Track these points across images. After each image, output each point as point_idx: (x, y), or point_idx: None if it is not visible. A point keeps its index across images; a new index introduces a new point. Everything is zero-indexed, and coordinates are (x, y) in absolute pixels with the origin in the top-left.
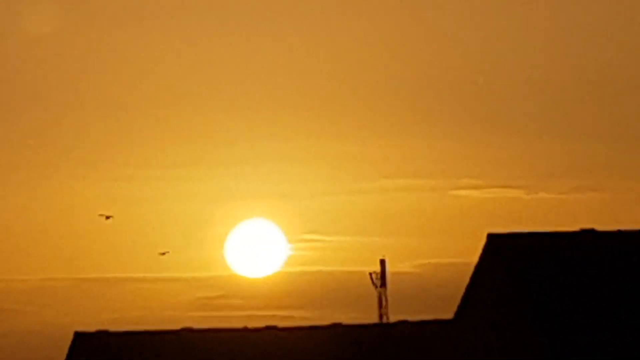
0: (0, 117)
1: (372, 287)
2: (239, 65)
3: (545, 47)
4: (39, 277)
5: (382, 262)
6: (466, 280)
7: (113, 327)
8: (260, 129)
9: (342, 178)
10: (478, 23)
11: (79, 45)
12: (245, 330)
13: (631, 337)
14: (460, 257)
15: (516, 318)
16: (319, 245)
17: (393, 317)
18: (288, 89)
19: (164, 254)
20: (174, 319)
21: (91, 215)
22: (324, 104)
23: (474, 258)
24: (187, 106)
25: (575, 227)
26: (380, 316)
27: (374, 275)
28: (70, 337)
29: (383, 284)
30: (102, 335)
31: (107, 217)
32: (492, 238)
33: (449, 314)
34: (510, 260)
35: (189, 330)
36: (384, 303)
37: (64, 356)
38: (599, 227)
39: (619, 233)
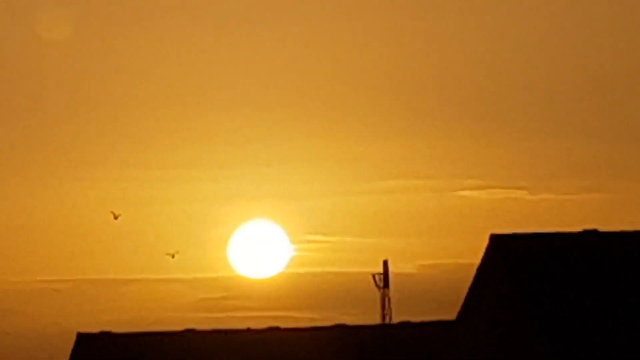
0: (8, 118)
1: (375, 288)
2: (242, 66)
3: (548, 48)
4: (42, 278)
5: (385, 263)
6: (469, 281)
7: (116, 329)
8: (263, 130)
9: (345, 179)
10: (482, 24)
11: (87, 49)
12: (248, 331)
13: (635, 337)
14: (463, 258)
15: (519, 319)
16: (322, 247)
17: (396, 318)
18: (292, 90)
19: (173, 255)
20: (177, 320)
21: (94, 216)
22: (328, 105)
23: (477, 259)
24: (190, 107)
25: (578, 228)
26: (383, 317)
27: (377, 276)
28: (73, 338)
29: (386, 285)
30: (105, 337)
31: (116, 217)
32: (495, 239)
33: (451, 315)
34: (513, 261)
35: (192, 332)
36: (386, 304)
37: (67, 357)
38: (602, 228)
39: (622, 234)
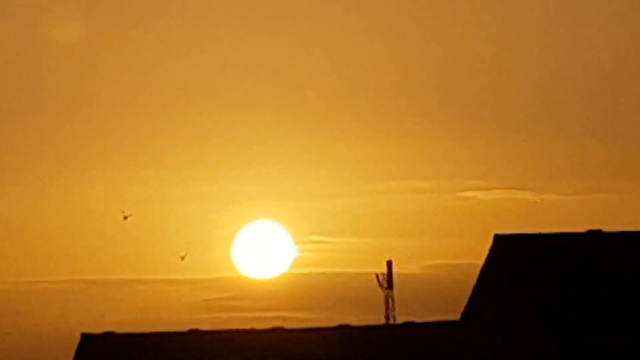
0: (17, 118)
1: (378, 289)
2: (246, 67)
3: (552, 49)
4: (46, 279)
5: (389, 264)
6: (473, 281)
7: (120, 329)
8: (267, 130)
9: (349, 180)
10: (485, 24)
11: (96, 51)
12: (252, 331)
13: (639, 338)
14: (467, 259)
15: (523, 319)
16: (326, 247)
17: (400, 319)
18: (296, 91)
19: (183, 258)
20: (181, 320)
21: (97, 217)
22: (332, 106)
23: (481, 259)
24: (193, 108)
25: (581, 229)
26: (387, 317)
27: (380, 277)
28: (77, 338)
29: (390, 285)
30: (109, 337)
31: (126, 217)
32: (498, 239)
33: (455, 315)
34: (517, 261)
35: (196, 332)
36: (390, 304)
37: (71, 358)
38: (606, 228)
39: (626, 234)
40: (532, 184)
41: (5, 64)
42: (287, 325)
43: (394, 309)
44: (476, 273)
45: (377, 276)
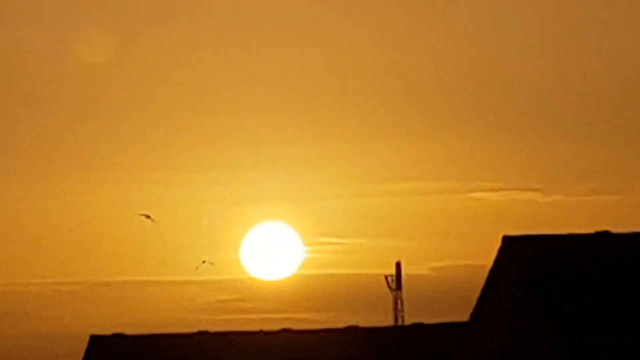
0: (35, 122)
1: (387, 290)
2: (256, 70)
3: (560, 51)
4: (55, 280)
5: (398, 265)
6: (482, 282)
7: (129, 330)
8: (276, 132)
9: (358, 181)
10: (493, 26)
11: (111, 58)
12: (261, 333)
13: None
14: (476, 260)
15: (531, 320)
16: (335, 248)
17: (409, 320)
18: (305, 93)
19: (203, 262)
20: (189, 322)
21: (107, 219)
22: (342, 107)
23: (490, 260)
24: (202, 111)
25: (590, 230)
26: (396, 318)
27: (389, 278)
28: (86, 340)
29: (399, 286)
30: (118, 339)
31: (147, 217)
32: (507, 240)
33: (464, 316)
34: (525, 262)
35: (204, 333)
36: (399, 305)
37: (80, 359)
38: (614, 230)
39: (634, 235)
40: (541, 186)
41: (23, 70)
42: (296, 326)
43: (402, 310)
44: (485, 274)
45: (385, 277)
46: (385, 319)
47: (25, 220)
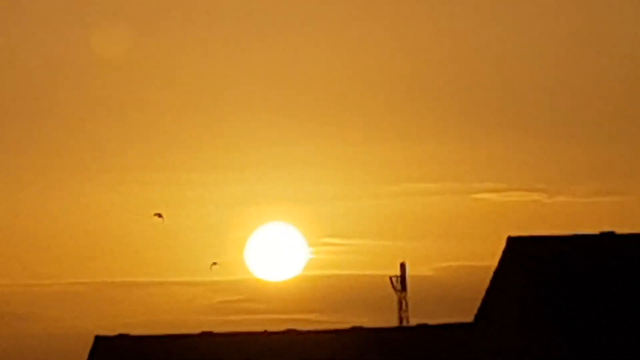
0: (44, 122)
1: (392, 291)
2: (261, 71)
3: (567, 52)
4: (60, 281)
5: (402, 266)
6: (486, 283)
7: (133, 331)
8: (281, 133)
9: (362, 182)
10: (501, 27)
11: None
12: (266, 333)
13: None
14: (481, 261)
15: (536, 321)
16: (339, 249)
17: (413, 320)
18: (310, 94)
19: (215, 263)
20: (194, 322)
21: (110, 220)
22: (346, 108)
23: (494, 261)
24: (208, 112)
25: (594, 230)
26: (401, 319)
27: (394, 279)
28: (91, 340)
29: (403, 287)
30: (122, 339)
31: (160, 216)
32: (512, 241)
33: (469, 317)
34: (530, 263)
35: (209, 334)
36: (404, 306)
37: None
38: (619, 230)
39: (639, 236)
40: (545, 186)
41: (32, 69)
42: (301, 327)
43: (407, 311)
44: (489, 275)
45: (390, 278)
46: (389, 320)
47: (29, 221)
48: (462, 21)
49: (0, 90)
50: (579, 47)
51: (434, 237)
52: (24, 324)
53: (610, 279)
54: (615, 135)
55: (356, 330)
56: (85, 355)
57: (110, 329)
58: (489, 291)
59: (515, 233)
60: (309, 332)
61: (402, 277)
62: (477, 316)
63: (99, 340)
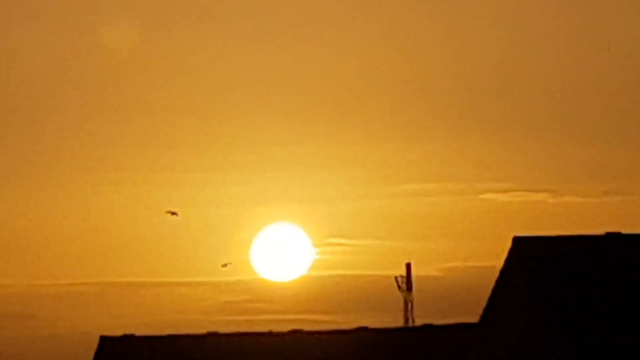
0: (57, 121)
1: (397, 291)
2: (266, 71)
3: (572, 52)
4: (65, 281)
5: (408, 266)
6: (492, 283)
7: (139, 332)
8: (286, 133)
9: (368, 182)
10: (505, 27)
11: (119, 63)
12: (271, 334)
13: None
14: (486, 261)
15: (541, 321)
16: (345, 249)
17: (419, 321)
18: (315, 94)
19: (225, 265)
20: (199, 323)
21: (116, 220)
22: (351, 108)
23: (500, 261)
24: (214, 111)
25: (600, 231)
26: (406, 320)
27: (399, 279)
28: (96, 341)
29: (409, 287)
30: (128, 340)
31: (173, 213)
32: (517, 241)
33: (475, 318)
34: (536, 263)
35: (214, 335)
36: (409, 307)
37: None
38: (625, 231)
39: None
40: (551, 186)
41: (47, 68)
42: (306, 327)
43: (412, 311)
44: (495, 275)
45: (396, 279)
46: (395, 320)
47: (34, 221)
48: (466, 21)
49: (8, 90)
50: (584, 47)
51: (440, 237)
52: (29, 324)
53: (616, 280)
54: (621, 135)
55: (362, 331)
56: (91, 355)
57: (116, 330)
58: (495, 291)
59: (521, 233)
60: (314, 333)
61: (408, 278)
62: (482, 316)
63: (105, 340)
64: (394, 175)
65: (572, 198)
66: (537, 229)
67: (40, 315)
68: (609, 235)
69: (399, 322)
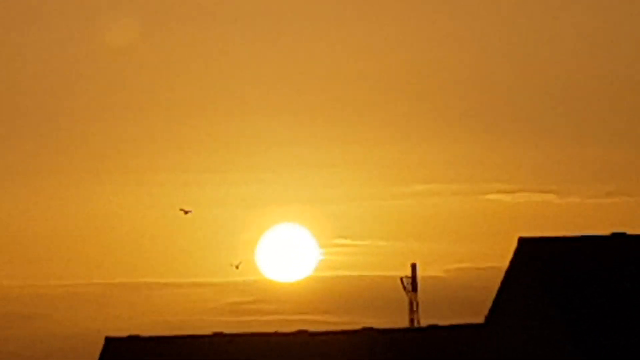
0: (64, 121)
1: (403, 292)
2: (272, 72)
3: (577, 54)
4: (71, 282)
5: (413, 267)
6: (497, 284)
7: (144, 332)
8: (291, 135)
9: (373, 183)
10: (510, 29)
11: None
12: (277, 334)
13: None
14: (491, 261)
15: (546, 321)
16: (350, 250)
17: (424, 321)
18: (322, 96)
19: (237, 266)
20: (205, 323)
21: (121, 221)
22: (356, 110)
23: (505, 262)
24: (220, 112)
25: (606, 231)
26: (411, 320)
27: (405, 280)
28: (101, 342)
29: (414, 288)
30: (133, 340)
31: (186, 212)
32: (523, 242)
33: (479, 318)
34: (541, 264)
35: (220, 335)
36: (415, 307)
37: None
38: (630, 231)
39: None
40: (556, 187)
41: (49, 67)
42: (312, 327)
43: (418, 312)
44: (500, 276)
45: (401, 279)
46: (400, 321)
47: (40, 222)
48: (473, 25)
49: (14, 90)
50: (591, 48)
51: (445, 238)
52: (35, 325)
53: (621, 280)
54: (627, 137)
55: (367, 331)
56: (96, 356)
57: (121, 330)
58: (500, 292)
59: (526, 234)
60: (319, 333)
61: (413, 278)
62: (487, 317)
63: (110, 341)
64: (400, 176)
65: (578, 199)
66: (543, 229)
67: (46, 316)
68: (615, 235)
69: (404, 323)
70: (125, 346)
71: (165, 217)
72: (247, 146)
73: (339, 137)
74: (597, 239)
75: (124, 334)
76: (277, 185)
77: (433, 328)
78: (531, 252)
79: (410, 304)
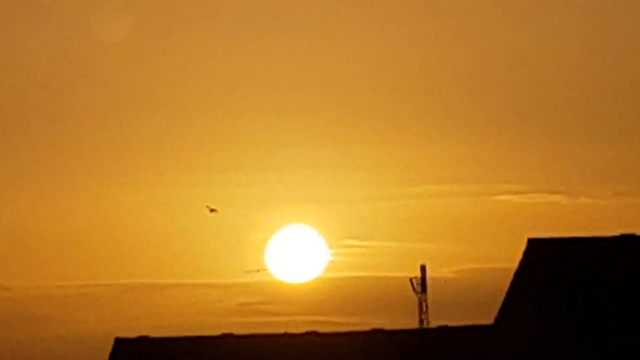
0: (62, 121)
1: (412, 293)
2: (281, 71)
3: (586, 53)
4: (80, 283)
5: (423, 268)
6: (506, 285)
7: (154, 333)
8: (301, 134)
9: (382, 184)
10: (518, 25)
11: (123, 65)
12: (286, 335)
13: None
14: (501, 262)
15: (556, 323)
16: (360, 251)
17: (434, 323)
18: (330, 95)
19: (258, 270)
20: (214, 324)
21: (132, 222)
22: (365, 110)
23: (515, 263)
24: (228, 111)
25: (615, 232)
26: (421, 321)
27: (414, 281)
28: (111, 343)
29: (423, 289)
30: (143, 341)
31: (212, 210)
32: (532, 243)
33: (489, 319)
34: (551, 265)
35: (229, 336)
36: (424, 308)
37: None
38: None
39: None
40: (566, 188)
41: (50, 65)
42: (321, 329)
43: (427, 313)
44: (510, 277)
45: (410, 280)
46: (410, 322)
47: (50, 222)
48: (480, 23)
49: (19, 91)
50: (600, 47)
51: (455, 238)
52: (45, 326)
53: (630, 282)
54: (636, 137)
55: (376, 332)
56: (106, 357)
57: (131, 331)
58: (510, 293)
59: (535, 235)
60: (329, 334)
61: (423, 279)
62: (497, 318)
63: (120, 342)
64: (409, 176)
65: (587, 199)
66: (552, 230)
67: (55, 317)
68: (624, 236)
69: (413, 324)
70: (135, 347)
71: (174, 218)
72: (255, 147)
73: (348, 137)
74: (606, 240)
75: (133, 334)
76: (286, 185)
77: (443, 329)
78: (541, 253)
79: (420, 305)
